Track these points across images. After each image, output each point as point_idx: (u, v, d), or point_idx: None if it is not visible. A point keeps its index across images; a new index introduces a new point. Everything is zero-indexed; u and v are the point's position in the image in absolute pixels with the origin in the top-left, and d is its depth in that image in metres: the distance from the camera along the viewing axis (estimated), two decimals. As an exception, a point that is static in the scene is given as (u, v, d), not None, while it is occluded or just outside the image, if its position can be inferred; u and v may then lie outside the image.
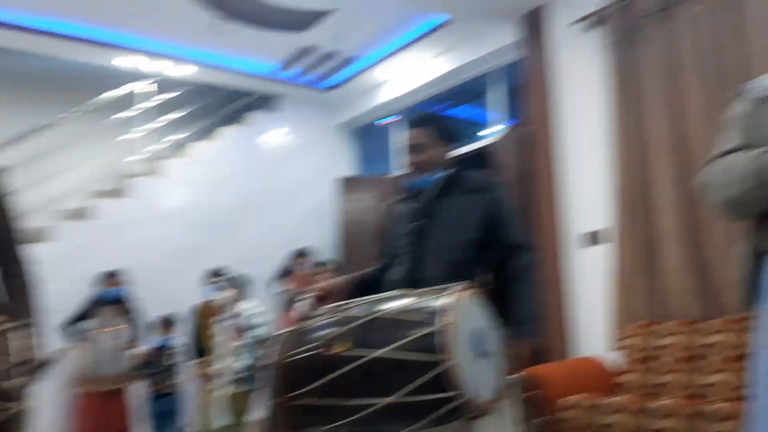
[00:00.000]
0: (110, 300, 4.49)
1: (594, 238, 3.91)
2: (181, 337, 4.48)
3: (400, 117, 6.33)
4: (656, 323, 3.34)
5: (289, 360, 1.61)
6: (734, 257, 3.09)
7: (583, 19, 4.06)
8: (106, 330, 4.40)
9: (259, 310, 4.17)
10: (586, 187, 4.00)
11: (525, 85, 4.53)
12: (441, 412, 1.47)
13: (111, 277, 4.53)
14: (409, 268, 1.92)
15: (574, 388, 3.17)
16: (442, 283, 1.74)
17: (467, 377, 1.46)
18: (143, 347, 4.22)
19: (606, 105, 3.84)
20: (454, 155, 2.06)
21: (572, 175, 4.11)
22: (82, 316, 4.44)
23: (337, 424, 1.57)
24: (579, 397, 3.03)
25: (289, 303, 5.09)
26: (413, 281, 1.86)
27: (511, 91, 5.26)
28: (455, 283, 1.63)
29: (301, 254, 5.40)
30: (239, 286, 4.23)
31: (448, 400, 1.45)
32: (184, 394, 4.29)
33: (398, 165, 2.08)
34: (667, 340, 3.21)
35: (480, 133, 5.77)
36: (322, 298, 1.93)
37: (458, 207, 1.93)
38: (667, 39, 3.60)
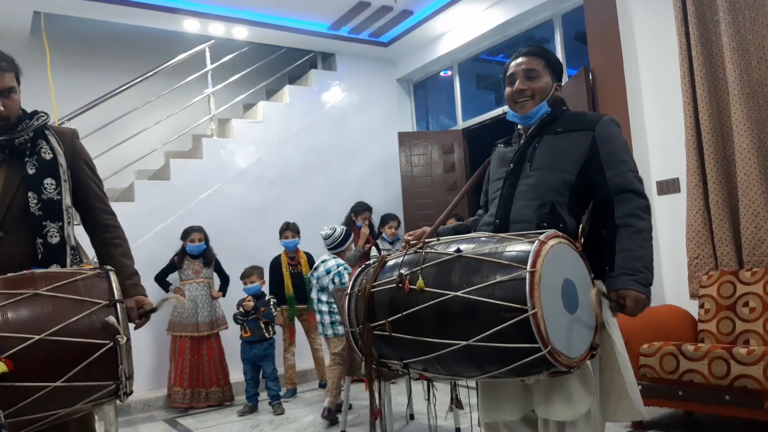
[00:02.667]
0: (196, 254, 4.81)
1: (673, 186, 3.84)
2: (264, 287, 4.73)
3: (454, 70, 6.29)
4: (741, 270, 3.27)
5: (370, 291, 1.62)
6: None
7: (655, -44, 3.90)
8: (196, 281, 4.77)
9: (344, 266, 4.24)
10: (663, 134, 3.90)
11: (590, 31, 4.41)
12: (521, 362, 1.41)
13: (194, 232, 4.81)
14: (498, 211, 1.80)
15: (658, 336, 3.15)
16: (530, 228, 1.67)
17: (553, 330, 1.38)
18: (245, 296, 4.48)
19: (678, 48, 3.70)
20: (559, 93, 1.88)
21: (648, 123, 4.01)
22: (171, 269, 4.79)
23: (412, 360, 1.57)
24: (662, 344, 3.02)
25: (353, 260, 5.21)
26: (502, 225, 1.77)
27: (577, 36, 5.13)
28: (544, 230, 1.54)
29: (363, 209, 5.49)
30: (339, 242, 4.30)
31: (529, 351, 1.38)
32: (275, 341, 4.56)
33: (507, 97, 1.89)
34: (754, 288, 3.14)
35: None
36: (412, 247, 1.83)
37: (557, 146, 1.77)
38: (748, -25, 3.42)
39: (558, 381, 1.57)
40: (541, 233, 1.50)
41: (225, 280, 4.96)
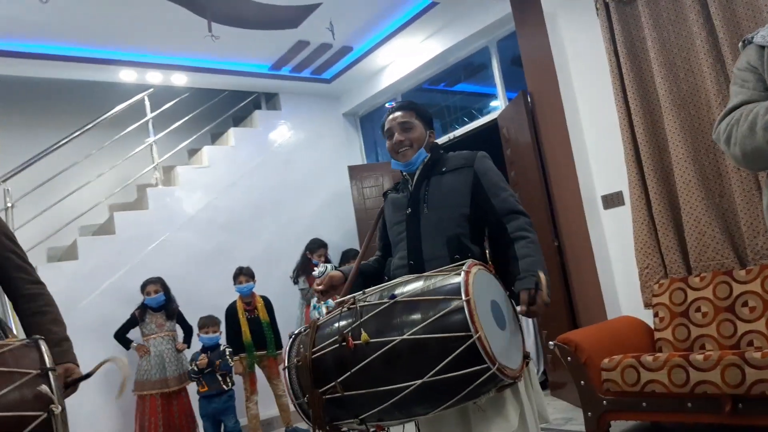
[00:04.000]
0: (156, 307, 4.63)
1: (617, 199, 3.92)
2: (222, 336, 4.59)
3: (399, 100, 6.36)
4: (690, 276, 3.33)
5: (313, 357, 1.61)
6: (761, 206, 3.12)
7: (578, -21, 4.06)
8: (161, 335, 4.58)
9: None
10: (603, 150, 3.99)
11: (524, 55, 4.53)
12: (473, 385, 1.47)
13: (149, 284, 4.64)
14: (409, 253, 1.93)
15: (618, 349, 3.16)
16: (444, 262, 1.79)
17: (496, 347, 1.47)
18: (202, 351, 4.33)
19: (609, 66, 3.83)
20: (435, 140, 2.11)
21: (588, 140, 4.10)
22: (132, 324, 4.59)
23: (367, 413, 1.57)
24: (622, 357, 3.02)
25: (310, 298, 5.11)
26: (416, 265, 1.88)
27: (514, 61, 5.27)
28: (462, 261, 1.64)
29: (317, 246, 5.42)
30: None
31: (480, 372, 1.45)
32: (234, 392, 4.41)
33: (388, 149, 2.10)
34: (703, 293, 3.20)
35: (490, 105, 5.80)
36: (324, 293, 1.96)
37: (445, 185, 1.95)
38: (668, -9, 3.58)
39: (491, 399, 1.64)
40: (461, 264, 1.60)
41: (188, 331, 4.78)
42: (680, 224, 3.52)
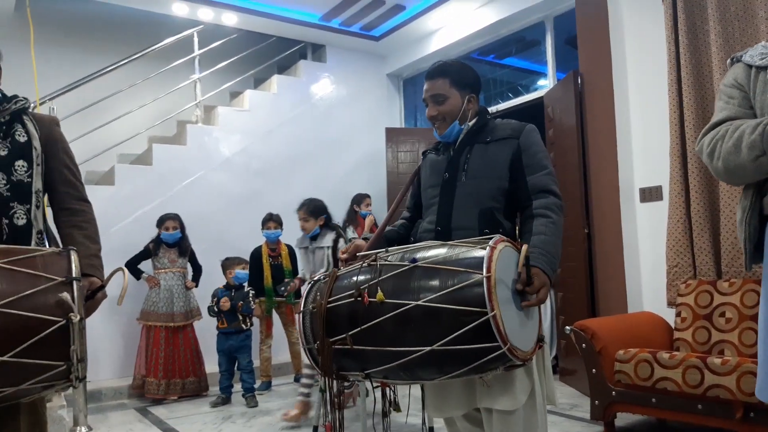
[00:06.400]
0: (171, 243, 4.71)
1: (656, 193, 3.83)
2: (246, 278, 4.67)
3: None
4: (719, 280, 3.27)
5: (328, 306, 1.62)
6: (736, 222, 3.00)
7: (645, -39, 3.89)
8: (172, 270, 4.68)
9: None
10: (648, 141, 3.88)
11: (581, 35, 4.40)
12: (481, 361, 1.48)
13: (168, 220, 4.70)
14: (438, 219, 1.89)
15: (634, 343, 3.14)
16: (473, 234, 1.75)
17: (510, 327, 1.46)
18: (225, 292, 4.43)
19: (667, 55, 3.69)
20: (479, 105, 1.97)
21: (634, 128, 3.99)
22: (145, 256, 4.68)
23: (374, 370, 1.59)
24: (638, 350, 3.01)
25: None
26: (444, 232, 1.85)
27: (568, 40, 5.12)
28: (491, 235, 1.61)
29: (363, 197, 5.55)
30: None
31: (490, 350, 1.45)
32: (252, 332, 4.53)
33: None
34: (730, 298, 3.14)
35: (537, 83, 5.68)
36: (349, 261, 1.89)
37: (487, 156, 1.87)
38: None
39: (500, 375, 1.63)
40: (489, 239, 1.57)
41: (198, 270, 4.85)
42: (717, 227, 3.43)
